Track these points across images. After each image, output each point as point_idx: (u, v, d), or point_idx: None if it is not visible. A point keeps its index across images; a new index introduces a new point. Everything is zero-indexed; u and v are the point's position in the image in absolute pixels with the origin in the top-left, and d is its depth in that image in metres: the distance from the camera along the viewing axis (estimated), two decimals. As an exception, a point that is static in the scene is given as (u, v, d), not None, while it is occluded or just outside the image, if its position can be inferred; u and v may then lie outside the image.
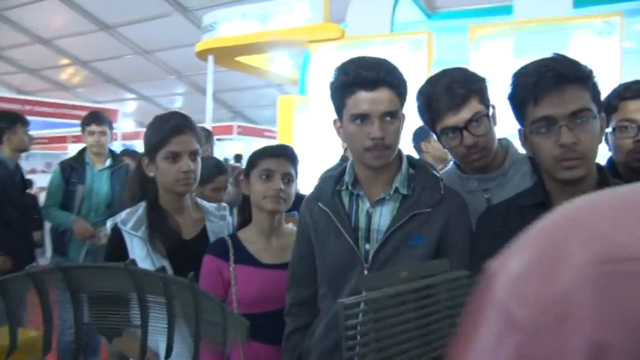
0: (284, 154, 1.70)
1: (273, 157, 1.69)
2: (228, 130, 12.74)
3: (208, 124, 6.08)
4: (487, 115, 1.46)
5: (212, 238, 1.78)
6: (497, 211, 1.36)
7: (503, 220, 1.32)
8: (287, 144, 1.74)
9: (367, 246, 1.40)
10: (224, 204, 1.91)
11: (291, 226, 1.81)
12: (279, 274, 1.67)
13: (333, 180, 1.50)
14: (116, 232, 1.68)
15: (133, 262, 1.01)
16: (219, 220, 1.83)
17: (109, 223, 1.73)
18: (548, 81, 1.14)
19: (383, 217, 1.40)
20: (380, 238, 1.38)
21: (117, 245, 1.66)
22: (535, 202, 1.28)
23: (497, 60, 4.32)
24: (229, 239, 1.71)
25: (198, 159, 1.72)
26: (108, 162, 3.55)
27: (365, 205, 1.43)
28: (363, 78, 1.32)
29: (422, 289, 0.98)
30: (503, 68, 3.25)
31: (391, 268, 1.07)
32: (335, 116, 1.45)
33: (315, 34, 5.00)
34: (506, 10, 4.80)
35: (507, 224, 1.30)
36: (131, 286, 1.03)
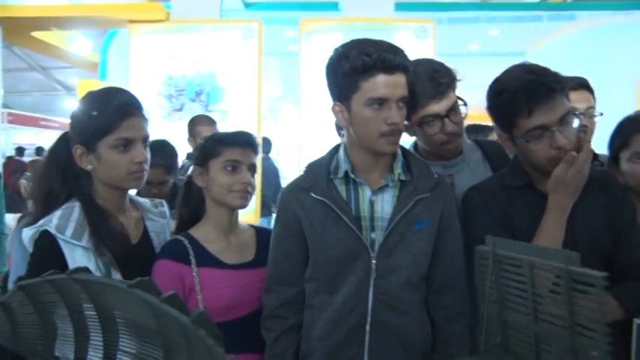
0: (249, 143, 1.53)
1: (239, 147, 1.50)
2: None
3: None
4: (465, 104, 1.55)
5: (154, 239, 1.52)
6: (483, 190, 1.46)
7: (493, 199, 1.43)
8: (247, 131, 1.55)
9: (372, 235, 1.36)
10: (158, 200, 1.63)
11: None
12: (245, 275, 1.52)
13: (324, 169, 1.41)
14: (46, 242, 1.31)
15: (148, 283, 0.63)
16: (160, 217, 1.56)
17: (27, 233, 1.33)
18: (540, 95, 1.27)
19: (385, 205, 1.38)
20: (385, 225, 1.36)
21: (52, 260, 1.27)
22: (521, 184, 1.41)
23: (327, 53, 4.50)
24: (185, 239, 1.48)
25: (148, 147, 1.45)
26: None
27: (366, 193, 1.39)
28: (388, 61, 1.27)
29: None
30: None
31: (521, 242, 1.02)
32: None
33: (135, 13, 4.55)
34: (330, 6, 5.03)
35: (497, 203, 1.42)
36: (150, 320, 0.66)
